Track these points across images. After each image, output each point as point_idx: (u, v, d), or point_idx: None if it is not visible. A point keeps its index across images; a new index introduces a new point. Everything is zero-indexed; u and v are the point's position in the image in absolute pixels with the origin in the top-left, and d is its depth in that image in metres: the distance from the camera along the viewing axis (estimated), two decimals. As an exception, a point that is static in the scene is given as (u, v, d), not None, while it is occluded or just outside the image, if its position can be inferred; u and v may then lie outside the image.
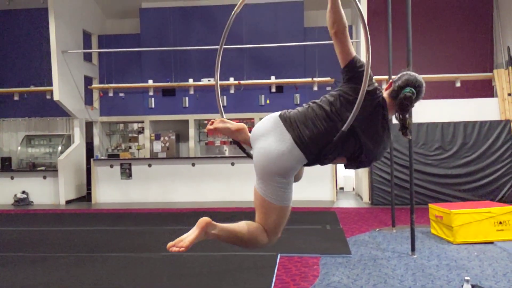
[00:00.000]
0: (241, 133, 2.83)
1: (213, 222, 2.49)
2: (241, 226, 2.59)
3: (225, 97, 11.27)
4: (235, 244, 2.61)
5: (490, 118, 9.44)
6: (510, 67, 9.72)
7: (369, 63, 2.41)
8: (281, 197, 2.54)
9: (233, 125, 2.83)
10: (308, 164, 2.60)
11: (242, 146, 2.90)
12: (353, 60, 2.54)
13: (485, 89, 10.53)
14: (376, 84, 2.56)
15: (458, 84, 10.11)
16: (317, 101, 2.60)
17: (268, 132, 2.57)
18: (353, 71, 2.52)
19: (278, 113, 2.61)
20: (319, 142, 2.47)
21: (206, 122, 11.80)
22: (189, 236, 2.41)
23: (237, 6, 2.84)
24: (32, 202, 10.76)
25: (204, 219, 2.46)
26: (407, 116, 2.56)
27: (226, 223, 2.55)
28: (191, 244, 2.42)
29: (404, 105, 2.52)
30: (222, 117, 2.93)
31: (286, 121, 2.54)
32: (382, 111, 2.51)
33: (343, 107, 2.48)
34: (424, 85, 2.60)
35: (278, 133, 2.52)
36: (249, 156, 2.82)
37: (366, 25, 2.45)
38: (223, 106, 13.42)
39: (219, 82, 3.09)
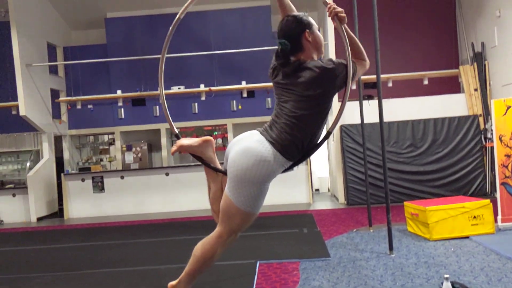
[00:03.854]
0: (206, 147, 2.80)
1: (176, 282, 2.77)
2: (197, 254, 2.71)
3: (196, 104, 11.18)
4: (206, 267, 2.76)
5: (458, 114, 9.61)
6: (475, 63, 9.91)
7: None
8: (253, 204, 2.57)
9: (196, 140, 2.81)
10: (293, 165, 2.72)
11: (205, 161, 2.84)
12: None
13: (452, 86, 10.72)
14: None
15: (426, 82, 10.26)
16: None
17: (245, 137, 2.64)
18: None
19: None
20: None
21: (178, 130, 11.63)
22: None
23: (180, 11, 2.77)
24: (2, 221, 10.44)
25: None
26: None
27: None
28: None
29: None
30: (174, 131, 2.96)
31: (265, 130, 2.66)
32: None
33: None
34: (307, 22, 2.67)
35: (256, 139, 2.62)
36: (216, 170, 2.81)
37: None
38: (195, 114, 13.06)
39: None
